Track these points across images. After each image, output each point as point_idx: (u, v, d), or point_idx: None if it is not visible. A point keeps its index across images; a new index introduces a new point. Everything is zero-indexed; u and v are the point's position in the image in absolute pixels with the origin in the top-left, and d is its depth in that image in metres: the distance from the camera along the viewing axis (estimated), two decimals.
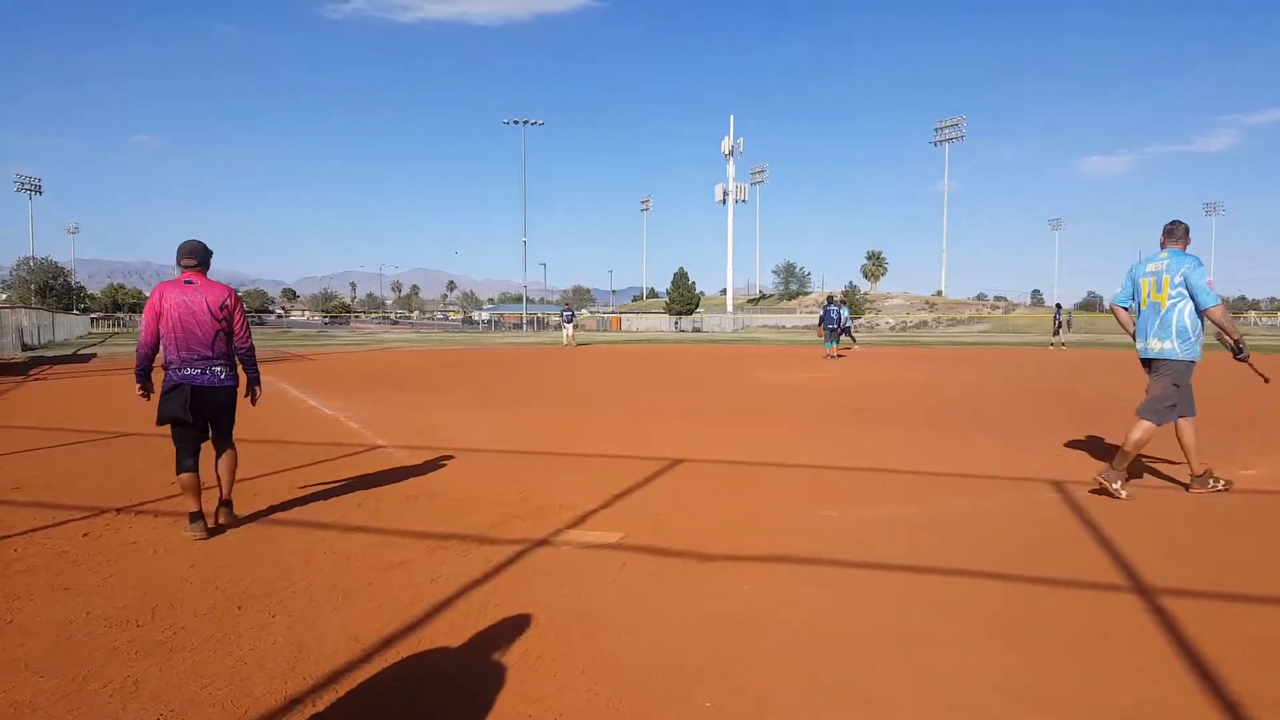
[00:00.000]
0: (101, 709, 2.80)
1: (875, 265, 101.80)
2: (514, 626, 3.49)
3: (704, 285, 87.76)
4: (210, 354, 4.97)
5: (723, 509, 5.57)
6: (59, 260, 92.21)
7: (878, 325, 73.73)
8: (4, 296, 79.41)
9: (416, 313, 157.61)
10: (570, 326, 35.05)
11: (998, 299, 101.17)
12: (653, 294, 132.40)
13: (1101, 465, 6.13)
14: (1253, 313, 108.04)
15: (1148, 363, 6.18)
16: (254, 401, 5.33)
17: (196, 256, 5.07)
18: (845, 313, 25.46)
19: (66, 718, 2.76)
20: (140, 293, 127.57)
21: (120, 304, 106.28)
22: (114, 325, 64.13)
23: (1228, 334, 5.95)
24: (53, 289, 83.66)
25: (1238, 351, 6.09)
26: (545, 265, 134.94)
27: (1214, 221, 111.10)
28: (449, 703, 2.86)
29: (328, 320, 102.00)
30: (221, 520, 5.09)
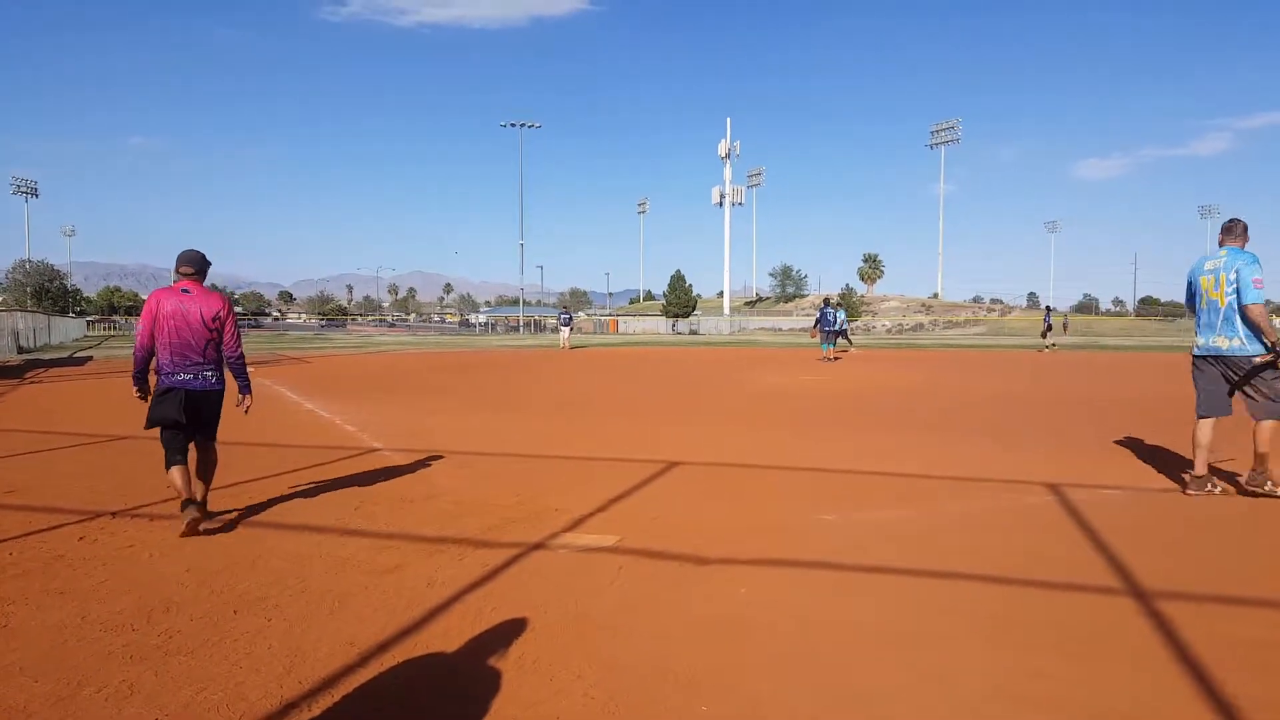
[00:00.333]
0: (96, 713, 2.79)
1: (872, 268, 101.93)
2: (510, 630, 3.48)
3: (701, 288, 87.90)
4: (202, 360, 5.17)
5: (720, 512, 5.57)
6: (55, 263, 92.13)
7: (874, 328, 73.81)
8: (0, 299, 79.17)
9: (413, 315, 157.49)
10: (567, 329, 35.04)
11: (994, 301, 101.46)
12: (650, 296, 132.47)
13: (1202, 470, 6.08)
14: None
15: (1207, 360, 6.16)
16: (245, 412, 5.41)
17: (194, 266, 5.26)
18: (842, 315, 25.47)
19: None
20: (136, 295, 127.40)
21: (116, 307, 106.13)
22: (110, 328, 64.00)
23: (1265, 334, 5.91)
24: (49, 292, 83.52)
25: (1273, 353, 6.01)
26: (542, 268, 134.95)
27: (1209, 224, 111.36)
28: (445, 707, 2.86)
29: (324, 323, 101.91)
30: (198, 521, 5.12)
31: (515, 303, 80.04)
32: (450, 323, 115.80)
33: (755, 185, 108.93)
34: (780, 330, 69.02)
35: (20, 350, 27.36)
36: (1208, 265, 6.08)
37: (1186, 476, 6.15)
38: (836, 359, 24.47)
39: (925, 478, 6.71)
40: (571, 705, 2.85)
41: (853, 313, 65.49)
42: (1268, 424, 5.86)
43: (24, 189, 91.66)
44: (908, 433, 9.37)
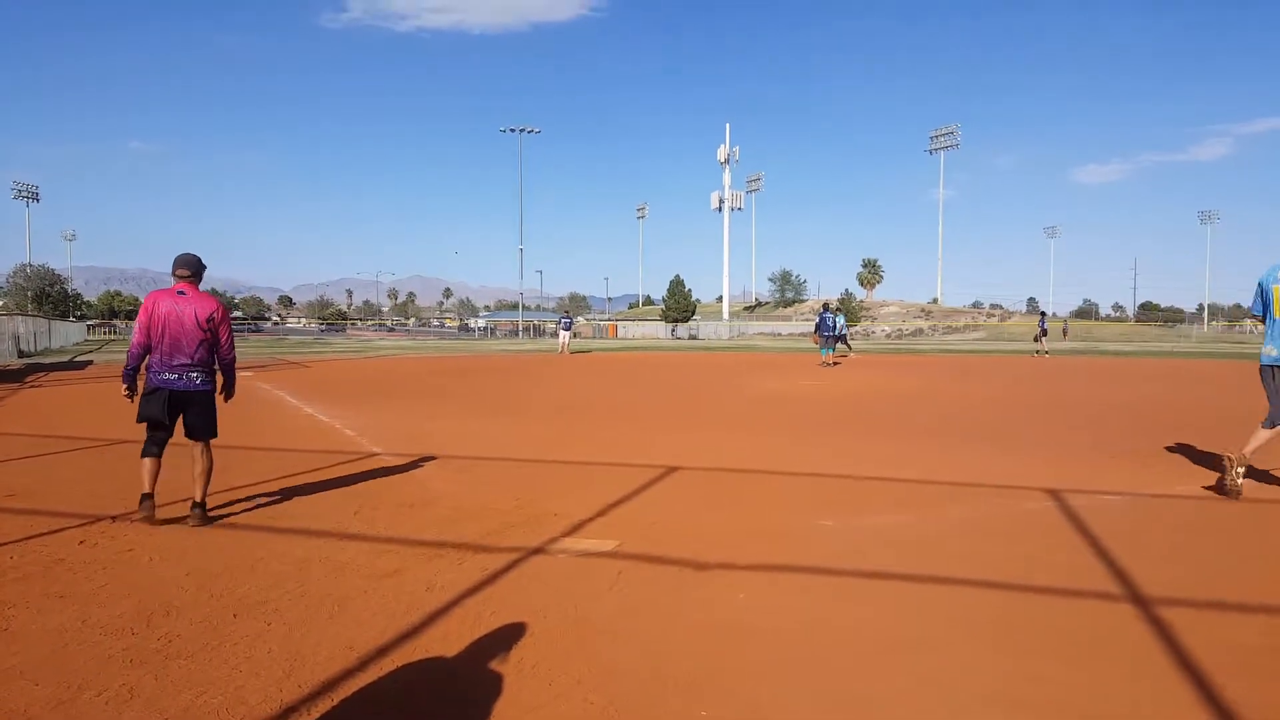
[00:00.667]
0: (96, 717, 2.80)
1: (871, 273, 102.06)
2: (510, 635, 3.49)
3: (700, 292, 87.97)
4: (190, 362, 5.29)
5: (719, 517, 5.57)
6: (56, 267, 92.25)
7: (873, 333, 73.85)
8: (0, 304, 79.18)
9: (413, 320, 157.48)
10: (567, 334, 35.02)
11: (994, 307, 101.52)
12: (649, 301, 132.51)
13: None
14: (1248, 321, 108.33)
15: (1274, 370, 6.10)
16: (226, 399, 5.70)
17: (190, 269, 5.40)
18: (841, 320, 25.48)
19: None
20: (137, 300, 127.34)
21: (117, 311, 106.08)
22: (110, 332, 63.97)
23: None
24: (49, 296, 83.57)
25: None
26: (541, 272, 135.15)
27: (1209, 230, 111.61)
28: (444, 711, 2.86)
29: (324, 327, 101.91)
30: (191, 523, 5.26)
31: (515, 307, 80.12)
32: (449, 327, 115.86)
33: (754, 190, 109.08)
34: (779, 335, 69.06)
35: (21, 354, 27.37)
36: None
37: (1232, 453, 6.03)
38: (836, 364, 24.47)
39: (924, 483, 6.71)
40: (571, 710, 2.86)
41: (852, 318, 65.51)
42: None
43: (25, 193, 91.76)
44: (907, 438, 9.37)
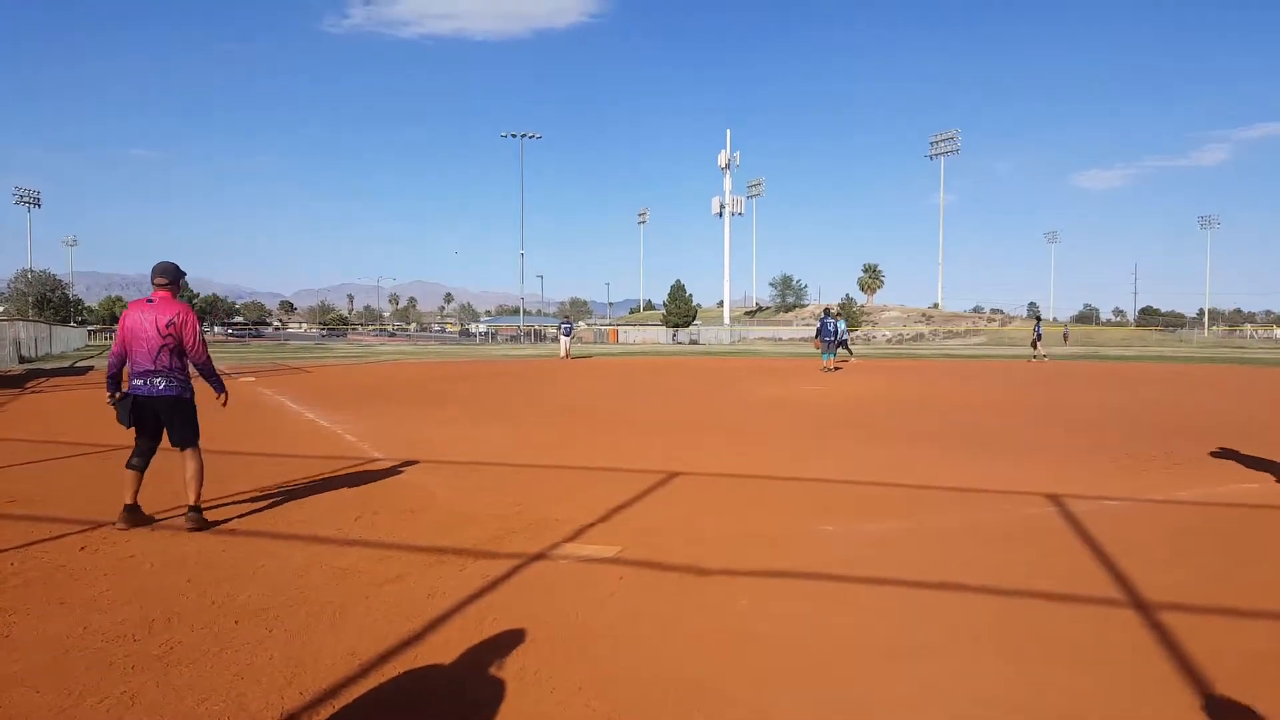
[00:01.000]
0: None
1: (872, 278, 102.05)
2: (511, 641, 3.48)
3: (701, 297, 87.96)
4: (153, 368, 5.33)
5: (720, 522, 5.57)
6: (57, 273, 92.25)
7: (874, 338, 73.84)
8: (1, 309, 79.28)
9: (414, 325, 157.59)
10: (567, 339, 35.02)
11: (994, 311, 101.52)
12: (650, 306, 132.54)
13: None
14: (1248, 326, 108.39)
15: None
16: (223, 405, 5.84)
17: (167, 277, 5.50)
18: (842, 325, 25.48)
19: None
20: None
21: (117, 316, 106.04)
22: (111, 338, 64.03)
23: None
24: (50, 301, 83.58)
25: None
26: (542, 277, 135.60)
27: (1209, 235, 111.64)
28: (446, 719, 2.86)
29: (325, 333, 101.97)
30: (187, 526, 5.30)
31: (515, 312, 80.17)
32: (450, 332, 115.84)
33: (755, 195, 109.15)
34: (780, 340, 69.03)
35: (21, 360, 27.39)
36: None
37: None
38: (837, 369, 24.47)
39: (925, 488, 6.71)
40: (573, 716, 2.85)
41: (853, 323, 65.56)
42: None
43: (27, 199, 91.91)
44: (908, 443, 9.36)
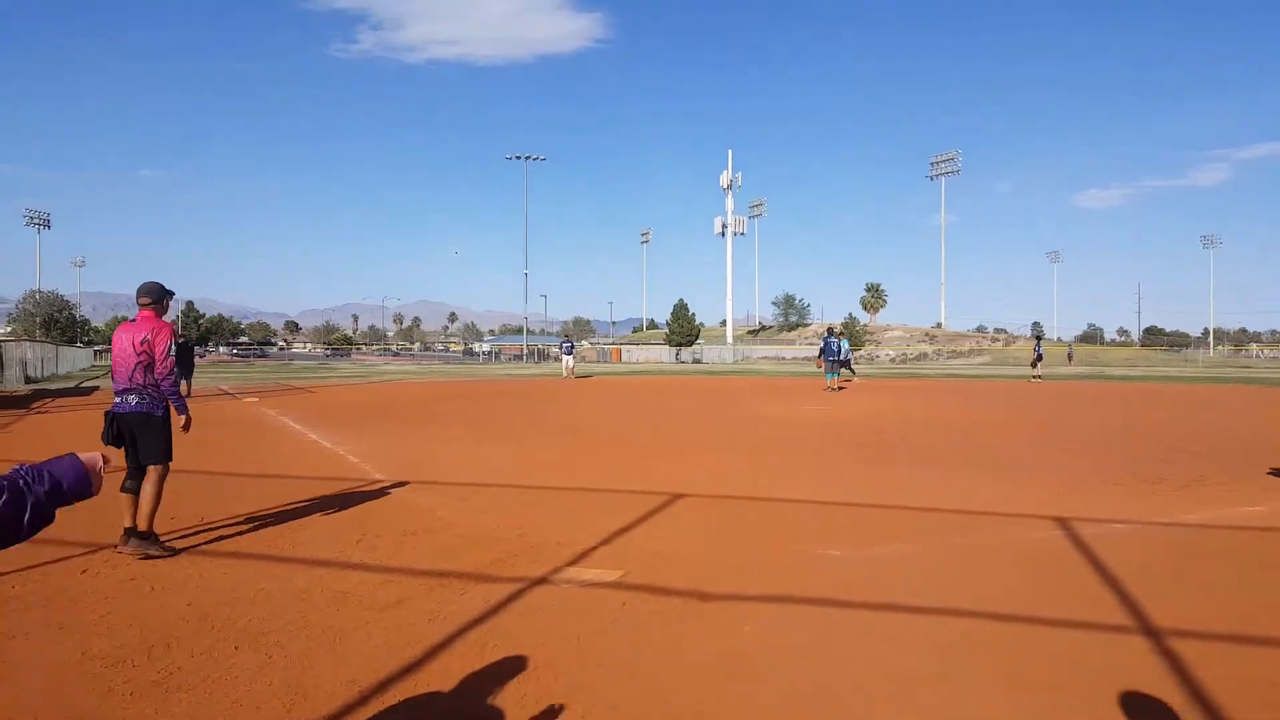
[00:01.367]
0: None
1: (874, 297, 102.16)
2: (512, 668, 3.45)
3: (704, 316, 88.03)
4: (128, 385, 5.36)
5: (724, 545, 5.53)
6: (65, 293, 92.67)
7: (877, 357, 73.75)
8: (9, 329, 79.55)
9: (418, 344, 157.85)
10: (570, 358, 35.02)
11: (998, 331, 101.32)
12: (653, 325, 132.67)
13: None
14: (1254, 345, 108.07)
15: None
16: (184, 429, 5.64)
17: (149, 296, 5.51)
18: (846, 345, 25.47)
19: None
20: None
21: None
22: None
23: None
24: (57, 322, 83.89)
25: None
26: (546, 297, 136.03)
27: (1211, 254, 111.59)
28: None
29: (330, 352, 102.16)
30: (120, 548, 5.17)
31: (519, 331, 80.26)
32: (454, 352, 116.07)
33: (757, 215, 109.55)
34: (783, 359, 68.98)
35: (28, 380, 27.45)
36: None
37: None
38: (841, 389, 24.43)
39: (932, 511, 6.66)
40: None
41: (855, 342, 65.47)
42: None
43: (36, 220, 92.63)
44: (913, 465, 9.32)
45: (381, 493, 7.40)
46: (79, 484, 1.64)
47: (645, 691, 3.25)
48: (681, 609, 4.24)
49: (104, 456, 1.69)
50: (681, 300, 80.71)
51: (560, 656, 3.58)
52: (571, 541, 5.56)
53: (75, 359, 45.48)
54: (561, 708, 3.09)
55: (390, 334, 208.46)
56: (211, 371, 38.42)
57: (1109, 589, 4.50)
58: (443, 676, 3.37)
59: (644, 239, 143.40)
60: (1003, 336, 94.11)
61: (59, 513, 1.63)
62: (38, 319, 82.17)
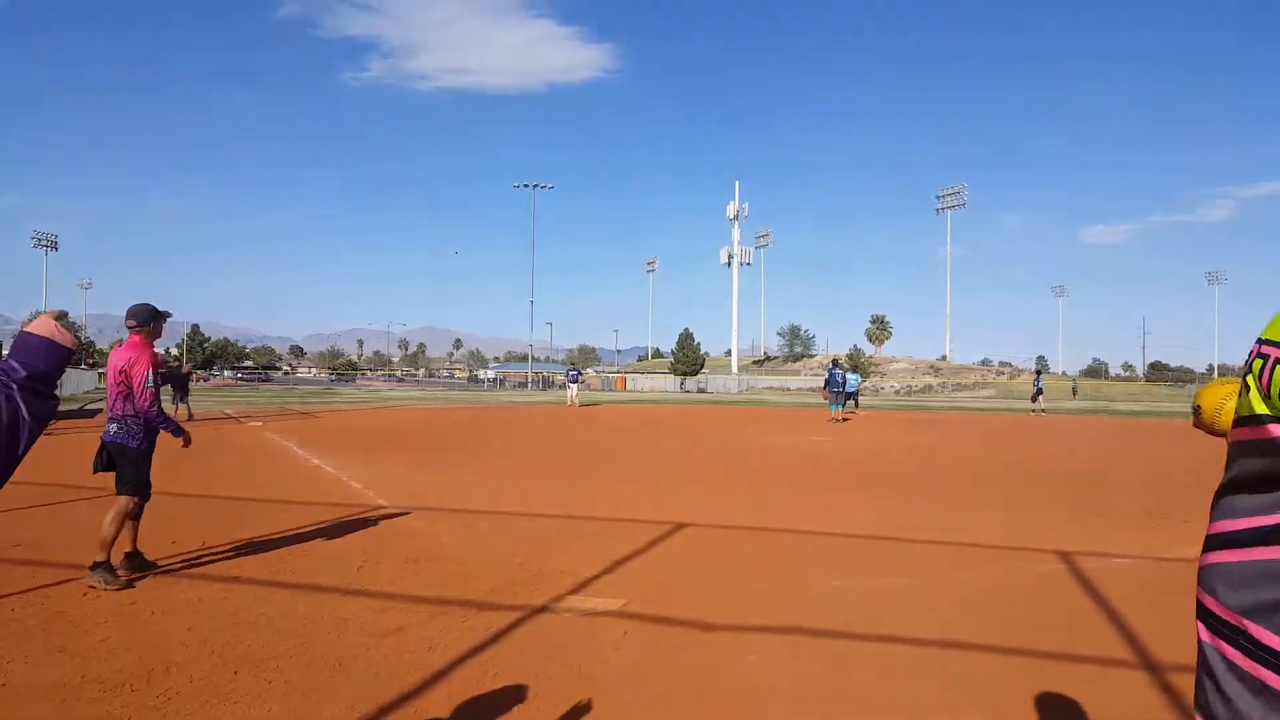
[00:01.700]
0: None
1: (880, 329, 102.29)
2: (513, 697, 3.43)
3: (709, 346, 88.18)
4: (113, 413, 5.26)
5: (727, 575, 5.51)
6: (72, 315, 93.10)
7: (882, 389, 73.63)
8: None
9: (422, 370, 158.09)
10: (575, 386, 35.02)
11: (1003, 364, 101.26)
12: (658, 354, 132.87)
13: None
14: None
15: None
16: (185, 446, 5.57)
17: (135, 319, 5.32)
18: (857, 377, 25.53)
19: None
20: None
21: None
22: None
23: None
24: None
25: None
26: (551, 324, 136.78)
27: (1217, 290, 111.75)
28: None
29: (334, 377, 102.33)
30: (116, 573, 5.04)
31: (524, 358, 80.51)
32: (459, 378, 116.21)
33: (763, 246, 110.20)
34: (788, 390, 68.92)
35: None
36: None
37: None
38: (845, 420, 24.41)
39: (935, 543, 6.63)
40: None
41: (861, 374, 65.42)
42: None
43: (44, 243, 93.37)
44: (917, 496, 9.29)
45: (384, 519, 7.39)
46: (43, 349, 1.40)
47: None
48: (684, 639, 4.22)
49: (57, 313, 1.45)
50: (687, 329, 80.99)
51: (561, 686, 3.56)
52: (573, 570, 5.54)
53: (80, 381, 45.61)
54: None
55: (395, 359, 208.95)
56: (215, 395, 38.50)
57: (1112, 623, 4.47)
58: (443, 704, 3.35)
59: (650, 268, 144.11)
60: (1007, 370, 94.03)
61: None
62: None
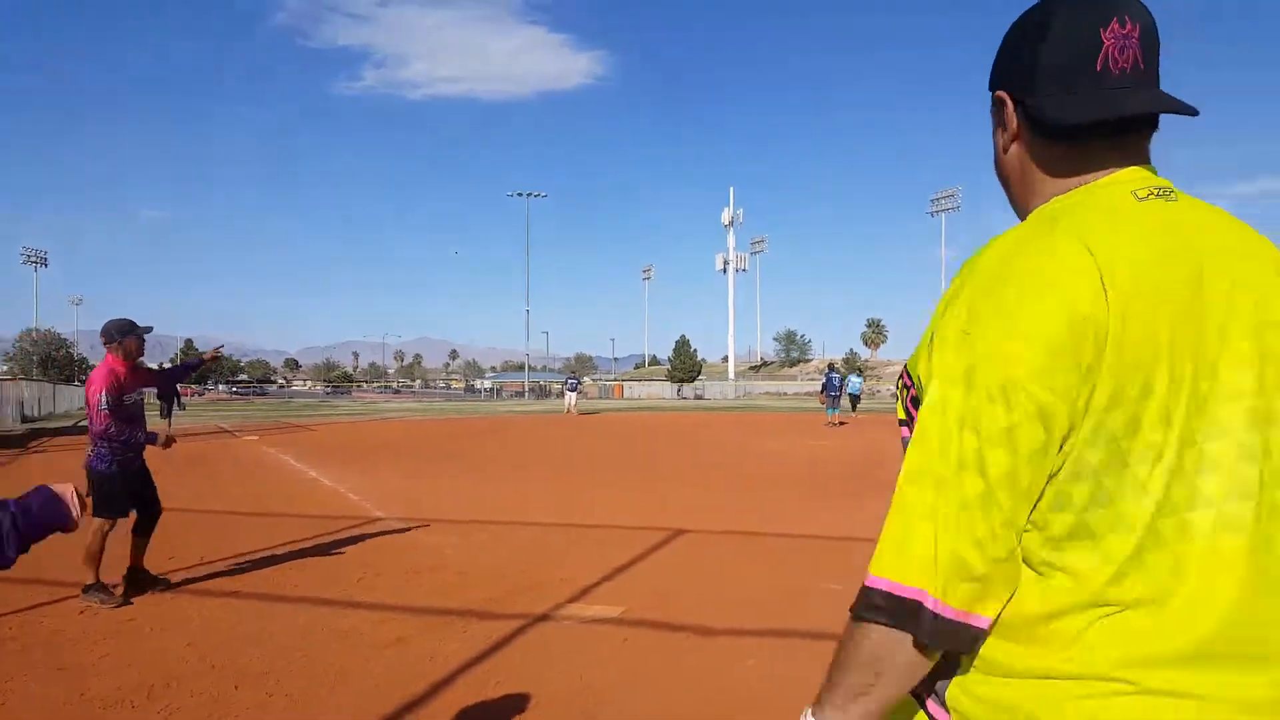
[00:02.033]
0: None
1: (875, 332, 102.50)
2: (514, 706, 3.43)
3: (705, 352, 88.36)
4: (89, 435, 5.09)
5: (726, 581, 5.51)
6: (62, 332, 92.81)
7: (878, 392, 73.74)
8: (5, 368, 79.56)
9: (419, 381, 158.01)
10: (573, 395, 34.98)
11: None
12: (655, 361, 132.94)
13: None
14: None
15: None
16: (164, 445, 5.33)
17: (105, 335, 5.20)
18: (860, 381, 25.57)
19: None
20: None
21: None
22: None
23: None
24: (55, 360, 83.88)
25: None
26: (548, 334, 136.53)
27: None
28: None
29: (330, 390, 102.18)
30: (114, 590, 5.03)
31: (521, 368, 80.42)
32: (456, 389, 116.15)
33: (758, 252, 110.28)
34: (785, 395, 69.01)
35: (24, 419, 27.40)
36: None
37: None
38: (842, 424, 24.44)
39: None
40: None
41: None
42: None
43: (34, 259, 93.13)
44: None
45: (382, 531, 7.38)
46: (48, 507, 1.52)
47: None
48: (684, 644, 4.22)
49: (78, 489, 1.58)
50: (683, 336, 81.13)
51: (562, 693, 3.56)
52: (573, 578, 5.54)
53: (73, 398, 45.38)
54: None
55: (391, 371, 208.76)
56: (210, 410, 38.40)
57: None
58: (445, 714, 3.35)
59: (646, 276, 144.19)
60: None
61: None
62: (35, 358, 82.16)
